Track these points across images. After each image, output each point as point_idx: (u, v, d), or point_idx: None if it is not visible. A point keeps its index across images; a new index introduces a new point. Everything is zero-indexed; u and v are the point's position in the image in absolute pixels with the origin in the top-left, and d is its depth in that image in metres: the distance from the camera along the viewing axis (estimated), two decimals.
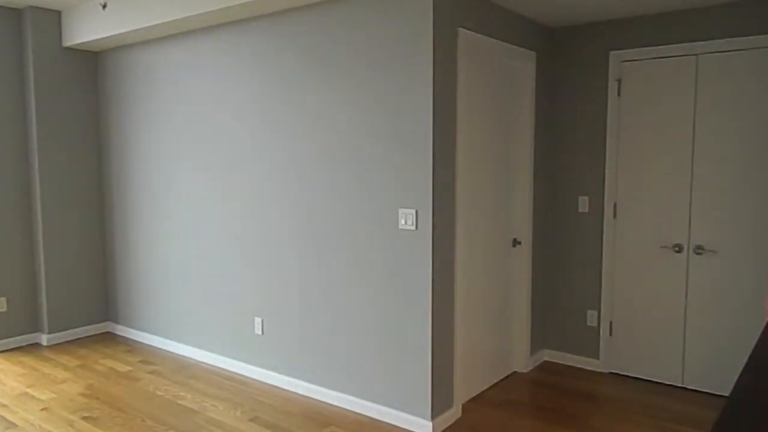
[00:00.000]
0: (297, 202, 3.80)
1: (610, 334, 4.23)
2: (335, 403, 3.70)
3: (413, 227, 3.27)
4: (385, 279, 3.41)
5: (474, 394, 3.85)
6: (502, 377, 4.16)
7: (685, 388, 3.97)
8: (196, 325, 4.55)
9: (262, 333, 4.09)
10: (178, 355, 4.68)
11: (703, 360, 3.89)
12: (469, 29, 3.41)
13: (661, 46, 3.89)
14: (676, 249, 3.92)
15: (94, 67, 5.10)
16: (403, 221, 3.30)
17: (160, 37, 4.53)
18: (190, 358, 4.59)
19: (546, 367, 4.39)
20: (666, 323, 4.00)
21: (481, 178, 3.78)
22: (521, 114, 4.11)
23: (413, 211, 3.26)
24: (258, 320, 4.10)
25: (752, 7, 3.56)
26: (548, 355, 4.53)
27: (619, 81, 4.08)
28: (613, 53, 4.08)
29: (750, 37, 3.57)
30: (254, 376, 4.16)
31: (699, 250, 3.84)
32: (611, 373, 4.25)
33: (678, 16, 3.82)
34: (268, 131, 3.92)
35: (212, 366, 4.42)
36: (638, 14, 3.93)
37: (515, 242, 4.16)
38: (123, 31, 4.32)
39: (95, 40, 4.63)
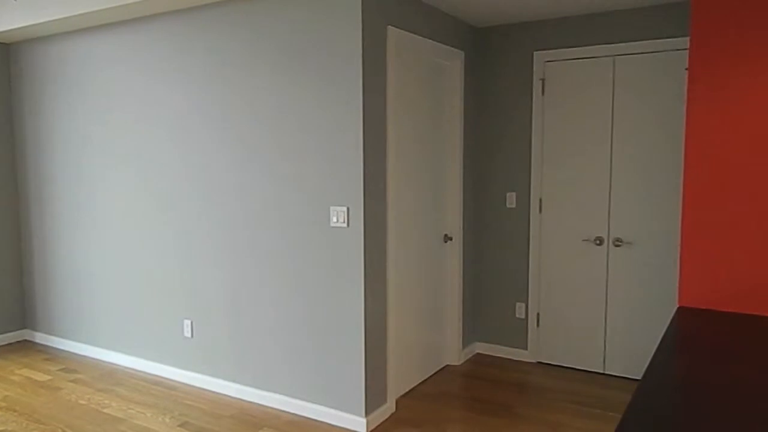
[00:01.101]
0: (227, 201, 3.72)
1: (538, 325, 4.38)
2: (268, 404, 3.66)
3: (345, 224, 3.26)
4: (317, 277, 3.39)
5: (408, 389, 3.90)
6: (435, 371, 4.23)
7: (606, 374, 4.16)
8: (122, 330, 4.37)
9: (192, 335, 3.98)
10: (102, 361, 4.49)
11: (622, 346, 4.09)
12: (398, 27, 3.44)
13: (581, 47, 4.05)
14: (597, 242, 4.11)
15: (6, 59, 4.80)
16: (334, 218, 3.30)
17: (77, 29, 4.32)
18: (116, 365, 4.41)
19: (478, 359, 4.49)
20: (589, 312, 4.18)
21: (413, 174, 3.83)
22: (450, 112, 4.19)
23: (345, 209, 3.26)
24: (187, 322, 3.99)
25: (663, 11, 3.77)
26: (480, 348, 4.64)
27: (543, 80, 4.22)
28: (537, 53, 4.22)
29: (661, 40, 3.78)
30: (183, 380, 4.05)
31: (618, 242, 4.04)
32: (539, 362, 4.40)
33: (597, 19, 3.99)
34: (194, 129, 3.82)
35: (139, 372, 4.26)
36: (560, 16, 4.09)
37: (446, 238, 4.23)
38: (36, 22, 4.09)
39: (6, 31, 4.36)
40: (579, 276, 4.20)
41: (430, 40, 3.78)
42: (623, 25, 3.91)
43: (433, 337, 4.19)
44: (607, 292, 4.11)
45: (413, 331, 3.92)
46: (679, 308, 2.33)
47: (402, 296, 3.77)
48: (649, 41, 3.82)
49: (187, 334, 3.99)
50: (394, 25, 3.40)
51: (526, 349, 4.44)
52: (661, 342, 1.91)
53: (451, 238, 4.26)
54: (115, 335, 4.42)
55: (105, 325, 4.47)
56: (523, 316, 4.43)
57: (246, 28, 3.51)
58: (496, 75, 4.41)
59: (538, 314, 4.38)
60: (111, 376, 4.19)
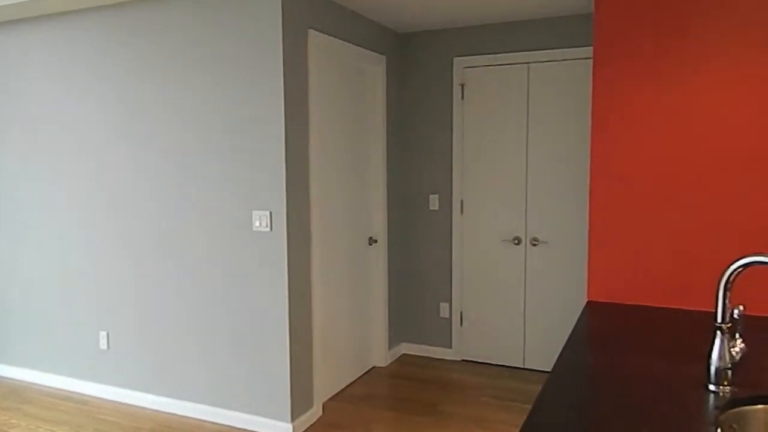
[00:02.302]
0: (144, 206, 3.59)
1: (461, 324, 4.50)
2: (190, 415, 3.55)
3: (268, 228, 3.23)
4: (239, 282, 3.34)
5: (335, 392, 3.90)
6: (362, 373, 4.24)
7: (527, 369, 4.32)
8: (29, 344, 4.12)
9: (108, 347, 3.81)
10: (6, 378, 4.21)
11: (540, 341, 4.27)
12: (319, 31, 3.44)
13: (497, 54, 4.20)
14: (516, 242, 4.26)
15: None
16: (257, 223, 3.25)
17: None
18: (22, 381, 4.14)
19: (404, 359, 4.55)
20: (509, 310, 4.33)
21: (337, 178, 3.84)
22: (374, 115, 4.23)
23: (267, 213, 3.22)
24: (103, 334, 3.81)
25: (574, 21, 3.98)
26: (406, 348, 4.70)
27: (463, 86, 4.35)
28: (456, 59, 4.34)
29: (572, 49, 3.98)
30: (98, 395, 3.86)
31: (535, 241, 4.21)
32: (463, 360, 4.51)
33: (512, 28, 4.15)
34: (110, 131, 3.66)
35: (49, 388, 4.03)
36: (478, 24, 4.22)
37: (371, 240, 4.27)
38: None
39: None
40: (499, 275, 4.34)
41: (353, 45, 3.81)
42: (537, 34, 4.08)
43: (360, 340, 4.21)
44: (526, 289, 4.27)
45: (339, 334, 3.93)
46: (588, 302, 2.46)
47: (327, 299, 3.77)
48: (561, 50, 4.01)
49: (103, 346, 3.82)
50: (315, 29, 3.40)
51: (450, 347, 4.54)
52: (570, 335, 2.02)
53: (376, 241, 4.30)
54: (22, 350, 4.15)
55: (9, 339, 4.20)
56: (447, 316, 4.53)
57: (166, 28, 3.41)
58: (418, 79, 4.50)
59: (461, 313, 4.49)
60: (17, 393, 3.94)
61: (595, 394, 1.51)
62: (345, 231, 3.96)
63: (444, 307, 4.54)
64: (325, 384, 3.77)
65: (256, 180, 3.24)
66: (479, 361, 4.47)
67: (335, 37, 3.62)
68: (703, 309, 2.32)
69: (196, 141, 3.39)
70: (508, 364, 4.39)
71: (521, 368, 4.34)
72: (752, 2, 2.17)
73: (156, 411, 3.64)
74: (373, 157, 4.26)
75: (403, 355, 4.66)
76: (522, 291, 4.28)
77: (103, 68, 3.63)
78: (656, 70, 2.32)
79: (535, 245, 4.21)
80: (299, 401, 3.36)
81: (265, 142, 3.19)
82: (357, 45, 3.87)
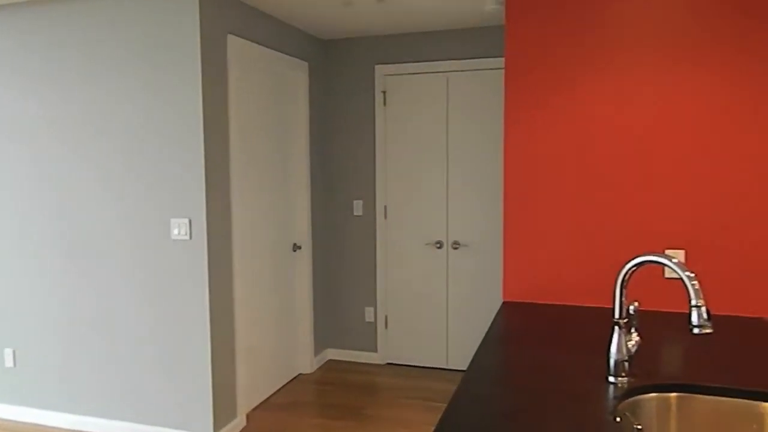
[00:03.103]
0: (55, 214, 3.41)
1: (386, 328, 4.55)
2: None
3: (187, 237, 3.15)
4: (158, 293, 3.24)
5: (260, 401, 3.85)
6: (288, 380, 4.21)
7: (450, 369, 4.43)
8: None
9: (14, 365, 3.59)
10: None
11: (462, 342, 4.39)
12: (239, 36, 3.40)
13: (417, 63, 4.30)
14: (438, 245, 4.37)
15: None
16: (176, 231, 3.17)
17: None
18: None
19: (330, 365, 4.55)
20: (432, 312, 4.43)
21: (260, 184, 3.80)
22: (297, 121, 4.22)
23: (186, 220, 3.15)
24: (8, 351, 3.59)
25: (490, 33, 4.13)
26: (332, 354, 4.70)
27: (385, 93, 4.42)
28: (378, 67, 4.41)
29: (488, 59, 4.13)
30: (4, 416, 3.63)
31: (456, 245, 4.33)
32: (389, 363, 4.57)
33: (431, 37, 4.26)
34: (18, 136, 3.46)
35: None
36: (399, 33, 4.31)
37: (295, 247, 4.25)
38: None
39: None
40: (422, 278, 4.43)
41: (275, 51, 3.79)
42: (455, 44, 4.21)
43: (285, 347, 4.18)
44: (448, 291, 4.38)
45: (264, 343, 3.88)
46: (503, 303, 2.57)
47: (251, 308, 3.72)
48: (479, 59, 4.16)
49: (9, 363, 3.59)
50: (235, 34, 3.36)
51: (376, 351, 4.59)
52: (485, 336, 2.10)
53: (300, 247, 4.28)
54: None
55: None
56: (373, 320, 4.58)
57: (82, 30, 3.27)
58: (341, 86, 4.53)
59: (386, 317, 4.55)
60: None
61: (505, 390, 1.59)
62: (268, 238, 3.92)
63: (369, 311, 4.58)
64: (250, 393, 3.72)
65: (174, 187, 3.16)
66: (404, 363, 4.54)
67: (256, 42, 3.59)
68: (608, 306, 2.48)
69: (111, 147, 3.27)
70: (432, 366, 4.48)
71: (445, 369, 4.45)
72: (647, 21, 2.34)
73: (71, 430, 3.46)
74: (296, 163, 4.24)
75: (330, 360, 4.67)
76: (444, 293, 4.39)
77: (18, 69, 3.43)
78: (563, 80, 2.46)
79: (456, 249, 4.33)
80: (222, 412, 3.29)
81: (183, 149, 3.12)
82: (279, 51, 3.86)
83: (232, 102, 3.33)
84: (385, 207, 4.48)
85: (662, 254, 1.51)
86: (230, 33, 3.32)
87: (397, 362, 4.56)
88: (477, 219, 4.27)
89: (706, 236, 2.34)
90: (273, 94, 3.97)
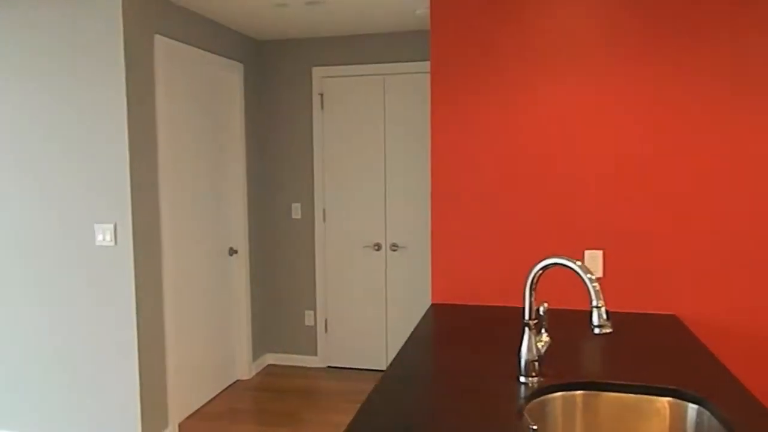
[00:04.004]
0: None
1: (326, 331, 4.53)
2: None
3: (112, 243, 3.06)
4: (82, 302, 3.12)
5: (194, 409, 3.76)
6: (224, 387, 4.14)
7: None
8: None
9: None
10: None
11: (401, 343, 4.40)
12: (167, 36, 3.32)
13: (354, 65, 4.30)
14: (376, 247, 4.38)
15: None
16: (100, 237, 3.07)
17: None
18: None
19: (269, 370, 4.50)
20: (371, 314, 4.44)
21: (192, 187, 3.72)
22: (232, 124, 4.16)
23: (111, 226, 3.05)
24: None
25: (423, 36, 4.17)
26: (272, 359, 4.65)
27: (322, 95, 4.40)
28: (315, 69, 4.38)
29: (423, 62, 4.17)
30: None
31: (394, 247, 4.35)
32: (329, 367, 4.55)
33: (367, 40, 4.27)
34: None
35: None
36: (335, 35, 4.30)
37: (231, 251, 4.18)
38: None
39: None
40: (361, 280, 4.43)
41: (206, 51, 3.72)
42: (391, 48, 4.23)
43: (221, 354, 4.10)
44: (386, 293, 4.40)
45: (198, 350, 3.80)
46: (432, 305, 2.60)
47: (183, 314, 3.63)
48: (415, 63, 4.19)
49: None
50: (162, 34, 3.28)
51: (316, 355, 4.56)
52: (408, 337, 2.12)
53: (236, 251, 4.21)
54: None
55: None
56: (312, 323, 4.55)
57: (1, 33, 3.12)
58: (277, 88, 4.48)
59: (326, 320, 4.53)
60: None
61: (420, 391, 1.60)
62: (202, 242, 3.84)
63: (309, 314, 4.55)
64: (182, 402, 3.63)
65: (98, 191, 3.05)
66: (344, 366, 4.53)
67: (186, 43, 3.51)
68: None
69: (32, 151, 3.13)
70: (372, 368, 4.49)
71: (384, 371, 4.45)
72: (567, 27, 2.41)
73: None
74: (232, 166, 4.18)
75: (269, 365, 4.61)
76: (383, 295, 4.40)
77: None
78: (486, 85, 2.51)
79: (394, 251, 4.36)
80: (152, 423, 3.20)
81: (107, 151, 3.02)
82: (211, 52, 3.79)
83: (160, 103, 3.25)
84: (324, 209, 4.47)
85: (567, 258, 1.56)
86: (157, 33, 3.24)
87: (337, 365, 4.54)
88: (415, 221, 4.30)
89: (623, 237, 2.43)
90: (206, 95, 3.89)
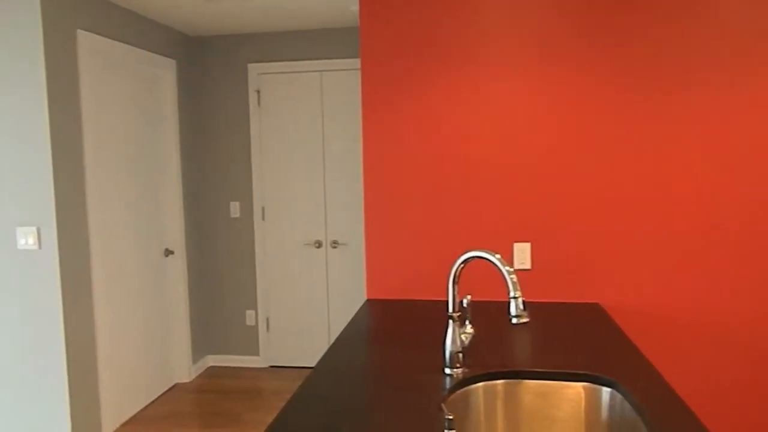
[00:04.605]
0: None
1: (267, 330, 4.49)
2: None
3: (36, 246, 2.94)
4: (4, 308, 2.99)
5: (130, 415, 3.66)
6: (163, 391, 4.04)
7: None
8: None
9: None
10: None
11: None
12: (92, 32, 3.21)
13: (291, 62, 4.27)
14: (317, 245, 4.37)
15: None
16: (23, 240, 2.94)
17: None
18: None
19: (210, 372, 4.43)
20: (313, 312, 4.43)
21: (124, 188, 3.61)
22: (165, 122, 4.05)
23: (34, 229, 2.93)
24: None
25: (356, 33, 4.16)
26: (213, 360, 4.57)
27: (259, 92, 4.35)
28: (251, 65, 4.33)
29: (357, 59, 4.17)
30: None
31: (335, 244, 4.35)
32: (271, 366, 4.51)
33: (304, 36, 4.24)
34: None
35: None
36: (271, 31, 4.25)
37: (167, 252, 4.08)
38: None
39: None
40: (303, 279, 4.41)
41: (136, 48, 3.61)
42: (328, 44, 4.22)
43: (159, 357, 4.00)
44: (329, 291, 4.40)
45: (133, 354, 3.70)
46: (366, 300, 2.61)
47: (116, 319, 3.53)
48: (352, 59, 4.19)
49: None
50: (86, 29, 3.17)
51: (258, 355, 4.52)
52: (340, 334, 2.13)
53: (173, 252, 4.12)
54: None
55: None
56: (254, 323, 4.50)
57: None
58: (212, 85, 4.40)
59: (267, 319, 4.49)
60: None
61: (347, 387, 1.61)
62: (135, 244, 3.74)
63: (250, 314, 4.50)
64: (117, 408, 3.53)
65: (19, 194, 2.93)
66: (287, 365, 4.50)
67: (113, 39, 3.40)
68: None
69: None
70: (314, 366, 4.47)
71: (312, 368, 4.45)
72: (499, 24, 2.46)
73: None
74: (166, 165, 4.08)
75: (210, 367, 4.53)
76: (325, 293, 4.40)
77: None
78: (416, 81, 2.54)
79: (335, 247, 4.35)
80: (83, 430, 3.10)
81: (28, 152, 2.90)
82: (141, 48, 3.68)
83: (85, 102, 3.14)
84: (263, 208, 4.42)
85: (487, 251, 1.59)
86: (81, 28, 3.13)
87: (279, 365, 4.51)
88: (355, 217, 4.31)
89: (549, 230, 2.51)
90: (137, 93, 3.78)
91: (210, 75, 4.40)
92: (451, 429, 1.24)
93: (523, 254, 2.54)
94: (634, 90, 2.40)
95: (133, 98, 3.73)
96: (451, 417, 1.24)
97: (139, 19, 3.67)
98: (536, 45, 2.44)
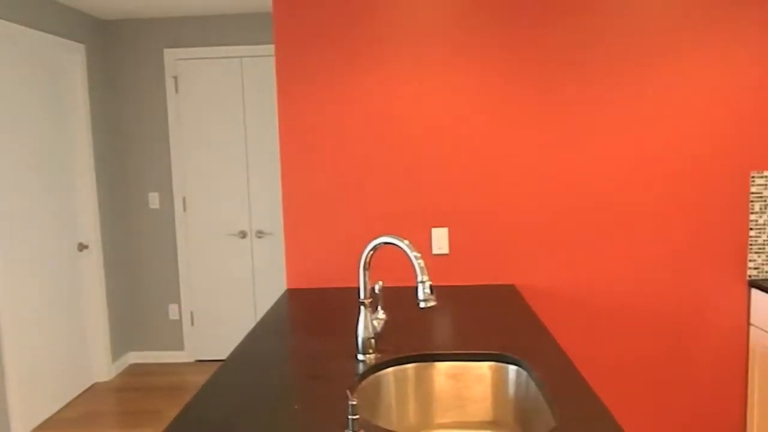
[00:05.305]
0: None
1: (192, 324, 4.38)
2: None
3: None
4: None
5: (44, 418, 3.49)
6: (81, 391, 3.88)
7: None
8: None
9: None
10: None
11: None
12: None
13: (210, 47, 4.14)
14: (242, 235, 4.28)
15: None
16: None
17: None
18: None
19: (132, 369, 4.28)
20: (239, 303, 4.35)
21: (29, 180, 3.41)
22: (75, 110, 3.85)
23: None
24: None
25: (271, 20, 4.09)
26: (134, 357, 4.42)
27: (176, 78, 4.19)
28: (167, 50, 4.17)
29: (270, 45, 4.10)
30: None
31: (260, 234, 4.28)
32: (197, 360, 4.41)
33: (224, 21, 4.12)
34: None
35: None
36: (189, 15, 4.10)
37: (81, 246, 3.89)
38: None
39: None
40: (228, 270, 4.32)
41: (37, 30, 3.40)
42: (248, 29, 4.12)
43: (75, 356, 3.83)
44: (254, 281, 4.33)
45: (45, 355, 3.52)
46: (287, 290, 2.59)
47: (24, 318, 3.34)
48: (272, 45, 4.11)
49: None
50: None
51: (182, 350, 4.40)
52: (258, 323, 2.10)
53: (87, 246, 3.94)
54: None
55: None
56: (177, 317, 4.38)
57: None
58: (127, 71, 4.21)
59: (191, 313, 4.37)
60: None
61: (258, 377, 1.59)
62: (45, 239, 3.54)
63: (173, 308, 4.37)
64: (29, 412, 3.36)
65: None
66: (214, 359, 4.41)
67: (11, 21, 3.19)
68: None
69: None
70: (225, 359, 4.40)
71: (223, 360, 4.40)
72: (415, 15, 2.46)
73: None
74: (78, 156, 3.88)
75: (132, 365, 4.38)
76: (251, 284, 4.33)
77: None
78: (332, 70, 2.51)
79: (261, 237, 4.29)
80: None
81: None
82: (44, 31, 3.47)
83: None
84: (184, 198, 4.29)
85: (395, 237, 1.60)
86: None
87: (206, 358, 4.41)
88: (280, 206, 4.25)
89: (466, 215, 2.55)
90: (42, 79, 3.56)
91: (124, 60, 4.20)
92: (355, 414, 1.24)
93: (441, 239, 2.57)
94: (547, 83, 2.47)
95: (36, 85, 3.52)
96: (354, 402, 1.24)
97: (40, 0, 3.45)
98: (457, 33, 2.47)
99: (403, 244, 1.58)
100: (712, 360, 2.55)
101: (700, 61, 2.42)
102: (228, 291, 4.34)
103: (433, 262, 2.57)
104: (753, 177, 2.46)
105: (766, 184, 2.46)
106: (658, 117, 2.46)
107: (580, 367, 2.60)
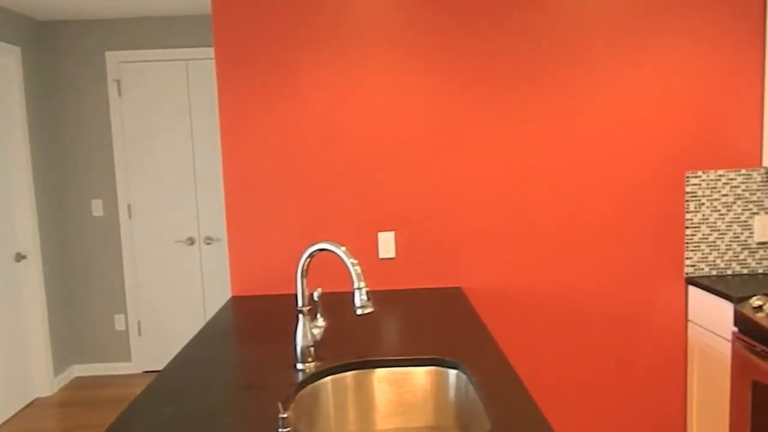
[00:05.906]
0: None
1: (140, 334, 4.26)
2: None
3: None
4: None
5: None
6: (20, 408, 3.72)
7: None
8: None
9: None
10: None
11: None
12: None
13: (155, 50, 4.04)
14: (189, 242, 4.19)
15: None
16: None
17: None
18: None
19: (76, 383, 4.13)
20: (189, 311, 4.25)
21: None
22: (10, 115, 3.69)
23: None
24: None
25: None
26: (79, 370, 4.27)
27: (119, 82, 4.07)
28: (109, 53, 4.04)
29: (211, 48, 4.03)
30: None
31: (208, 240, 4.19)
32: (145, 371, 4.28)
33: (169, 23, 4.02)
34: None
35: None
36: (131, 16, 3.99)
37: (19, 257, 3.73)
38: None
39: None
40: (176, 278, 4.22)
41: None
42: (194, 31, 4.03)
43: (13, 371, 3.67)
44: (204, 289, 4.24)
45: None
46: (231, 297, 2.53)
47: None
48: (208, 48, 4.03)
49: None
50: None
51: (130, 361, 4.27)
52: (198, 332, 2.04)
53: (25, 256, 3.78)
54: None
55: None
56: (124, 328, 4.25)
57: None
58: (66, 74, 4.07)
59: (138, 323, 4.25)
60: None
61: (194, 389, 1.54)
62: None
63: (119, 319, 4.24)
64: None
65: None
66: (161, 370, 4.29)
67: None
68: (324, 291, 2.58)
69: None
70: (161, 369, 4.30)
71: (159, 371, 4.30)
72: (363, 17, 2.45)
73: None
74: (13, 163, 3.72)
75: (76, 378, 4.23)
76: (201, 291, 4.24)
77: None
78: (276, 72, 2.47)
79: (209, 244, 4.20)
80: None
81: None
82: None
83: None
84: (129, 205, 4.16)
85: (332, 243, 1.58)
86: None
87: (154, 369, 4.29)
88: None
89: (412, 219, 2.55)
90: None
91: (63, 63, 4.06)
92: (286, 427, 1.21)
93: (387, 243, 2.56)
94: (493, 84, 2.49)
95: None
96: (285, 415, 1.22)
97: None
98: (401, 33, 2.46)
99: (340, 251, 1.56)
100: (653, 357, 2.62)
101: (637, 66, 2.49)
102: (176, 299, 4.24)
103: (380, 266, 2.56)
104: (688, 177, 2.53)
105: (700, 184, 2.54)
106: (596, 121, 2.51)
107: (523, 368, 2.63)
